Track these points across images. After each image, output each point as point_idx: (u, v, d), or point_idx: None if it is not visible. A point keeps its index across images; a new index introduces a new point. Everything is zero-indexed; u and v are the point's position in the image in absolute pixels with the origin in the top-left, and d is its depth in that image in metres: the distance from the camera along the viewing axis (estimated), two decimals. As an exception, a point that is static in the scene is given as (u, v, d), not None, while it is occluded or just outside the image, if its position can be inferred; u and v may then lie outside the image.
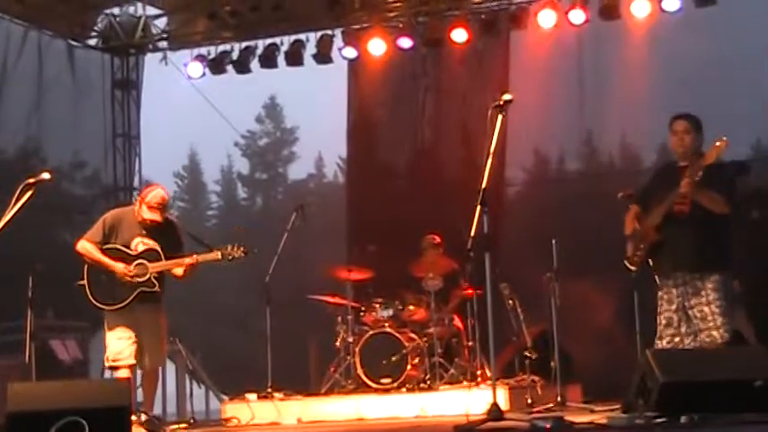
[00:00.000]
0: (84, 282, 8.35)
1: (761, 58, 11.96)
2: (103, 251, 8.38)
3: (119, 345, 8.30)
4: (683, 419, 5.74)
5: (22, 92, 13.25)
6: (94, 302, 8.36)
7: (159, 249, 8.40)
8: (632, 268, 7.44)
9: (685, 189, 6.91)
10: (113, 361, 8.32)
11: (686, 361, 6.31)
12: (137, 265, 8.35)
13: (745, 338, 8.82)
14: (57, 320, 11.89)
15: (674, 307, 7.09)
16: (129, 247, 8.41)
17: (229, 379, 14.92)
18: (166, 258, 8.38)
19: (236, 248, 8.53)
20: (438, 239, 11.28)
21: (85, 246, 8.39)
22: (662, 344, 7.09)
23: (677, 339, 7.04)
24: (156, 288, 8.37)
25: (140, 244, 8.42)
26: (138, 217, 8.46)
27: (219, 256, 8.50)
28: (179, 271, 8.45)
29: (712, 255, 7.01)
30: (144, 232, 8.44)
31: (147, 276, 8.33)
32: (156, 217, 8.42)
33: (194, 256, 8.47)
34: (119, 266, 8.30)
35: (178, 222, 8.85)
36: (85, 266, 8.39)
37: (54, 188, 12.61)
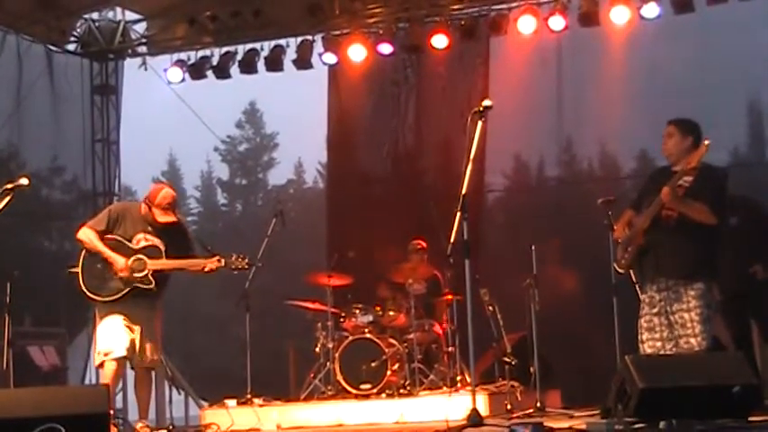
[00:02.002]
0: (78, 269, 8.23)
1: (739, 65, 12.03)
2: (104, 240, 8.27)
3: (110, 337, 8.15)
4: (661, 425, 5.77)
5: (1, 97, 13.18)
6: (86, 292, 8.23)
7: (161, 247, 8.34)
8: (620, 271, 7.50)
9: (665, 197, 6.95)
10: (105, 355, 8.14)
11: (665, 367, 6.33)
12: (135, 259, 8.23)
13: (723, 345, 8.86)
14: (34, 327, 11.82)
15: (655, 311, 7.13)
16: (130, 241, 8.31)
17: (209, 385, 14.88)
18: (168, 258, 8.31)
19: (240, 259, 8.50)
20: (423, 245, 11.28)
21: (88, 233, 8.27)
22: (643, 348, 7.12)
23: (659, 344, 7.07)
24: (152, 286, 8.23)
25: (143, 240, 8.32)
26: (145, 215, 8.35)
27: (224, 264, 8.46)
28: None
29: (697, 262, 7.04)
30: (149, 229, 8.34)
31: (145, 273, 8.23)
32: (172, 218, 8.34)
33: (220, 258, 8.40)
34: (120, 261, 8.17)
35: (186, 223, 8.76)
36: (82, 253, 8.27)
37: (33, 193, 12.57)
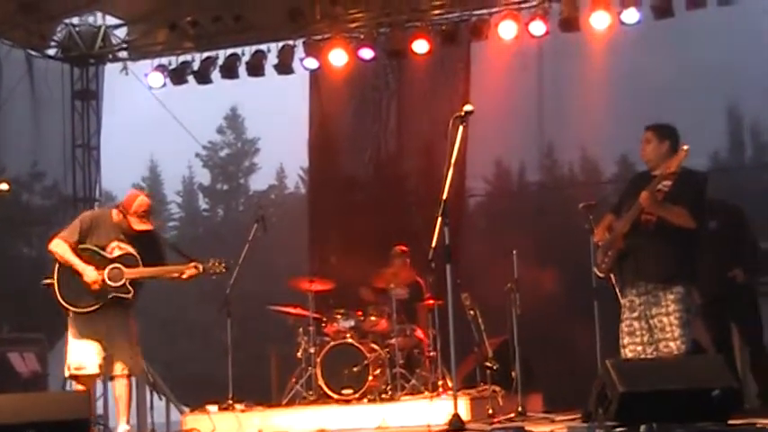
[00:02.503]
0: (54, 280, 8.13)
1: (720, 70, 12.10)
2: (78, 251, 8.17)
3: (83, 353, 8.10)
4: (642, 429, 5.78)
5: (-20, 102, 13.14)
6: (64, 304, 8.14)
7: (137, 256, 8.29)
8: (600, 275, 7.53)
9: (644, 201, 6.99)
10: (76, 369, 8.11)
11: (645, 371, 6.36)
12: (111, 269, 8.16)
13: (703, 348, 8.90)
14: (14, 333, 11.77)
15: (635, 315, 7.16)
16: (104, 250, 8.25)
17: (190, 390, 14.83)
18: (144, 266, 8.28)
19: (217, 264, 8.47)
20: (405, 249, 11.29)
21: (61, 245, 8.16)
22: (624, 352, 7.15)
23: (639, 349, 7.10)
24: (131, 295, 8.19)
25: (116, 248, 8.25)
26: (118, 221, 8.29)
27: (201, 270, 8.43)
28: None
29: (676, 266, 7.08)
30: (122, 237, 8.26)
31: (123, 282, 8.20)
32: (148, 227, 8.30)
33: (198, 265, 8.37)
34: (91, 273, 8.07)
35: (159, 230, 8.72)
36: (56, 265, 8.17)
37: (13, 199, 12.52)
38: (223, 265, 8.49)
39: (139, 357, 8.46)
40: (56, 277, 8.16)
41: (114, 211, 8.38)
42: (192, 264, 8.40)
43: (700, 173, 7.43)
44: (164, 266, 8.41)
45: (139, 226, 8.23)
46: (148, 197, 8.51)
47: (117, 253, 8.25)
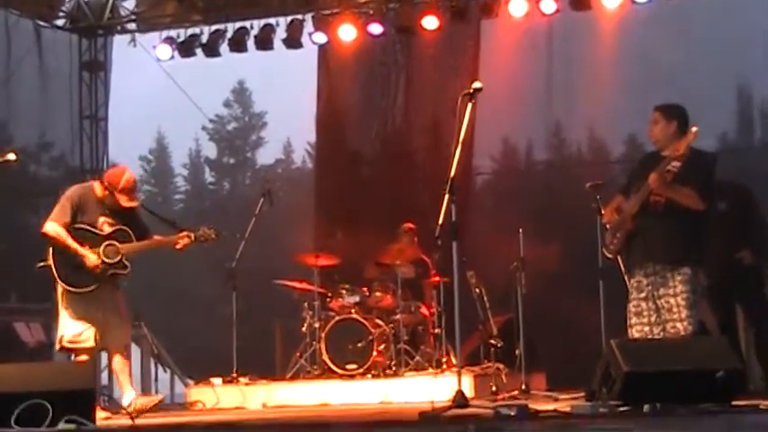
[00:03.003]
0: (50, 262, 8.12)
1: (730, 49, 12.03)
2: (72, 231, 8.17)
3: (77, 326, 8.11)
4: (645, 408, 5.79)
5: (-11, 71, 13.13)
6: (65, 286, 8.14)
7: (129, 231, 8.28)
8: (609, 256, 7.53)
9: (653, 183, 6.98)
10: (70, 342, 8.11)
11: (650, 351, 6.36)
12: (107, 246, 8.17)
13: (708, 329, 8.89)
14: (20, 303, 11.81)
15: (642, 295, 7.16)
16: (95, 227, 8.25)
17: (194, 363, 14.88)
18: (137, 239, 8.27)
19: (207, 231, 8.48)
20: (411, 227, 11.28)
21: (56, 229, 8.13)
22: (632, 332, 7.16)
23: (646, 329, 7.10)
24: (128, 271, 8.23)
25: (106, 224, 8.24)
26: (102, 197, 8.27)
27: (193, 239, 8.44)
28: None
29: (684, 248, 7.07)
30: (107, 212, 8.27)
31: (119, 258, 8.19)
32: (135, 203, 8.31)
33: (189, 234, 8.38)
34: (91, 257, 8.09)
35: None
36: (50, 247, 8.16)
37: (20, 169, 12.52)
38: (213, 232, 8.49)
39: (129, 327, 8.46)
40: (52, 259, 8.14)
41: (97, 186, 8.36)
42: (184, 233, 8.43)
43: (709, 154, 7.40)
44: (157, 239, 8.43)
45: (128, 203, 8.24)
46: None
47: (108, 229, 8.25)
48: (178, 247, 8.43)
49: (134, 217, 8.43)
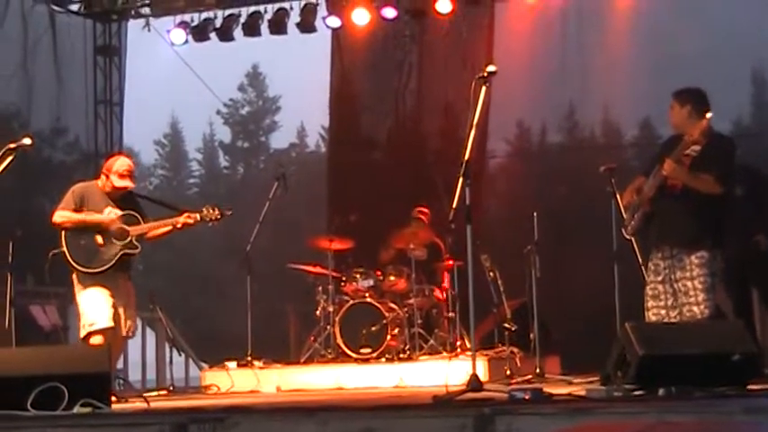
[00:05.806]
0: (64, 249, 8.19)
1: (745, 34, 11.98)
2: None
3: (95, 307, 8.15)
4: (660, 392, 5.78)
5: (4, 56, 13.13)
6: (77, 267, 8.21)
7: (136, 213, 8.36)
8: (627, 236, 7.55)
9: (667, 170, 6.96)
10: (91, 326, 8.14)
11: (665, 334, 6.35)
12: (117, 228, 8.26)
13: (723, 313, 8.87)
14: (36, 286, 11.84)
15: (660, 278, 7.15)
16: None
17: (209, 347, 14.94)
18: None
19: (211, 210, 8.51)
20: (425, 210, 11.27)
21: (63, 213, 8.25)
22: (648, 315, 7.16)
23: (663, 312, 7.10)
24: (138, 251, 8.31)
25: (112, 213, 8.35)
26: (104, 188, 8.38)
27: (199, 219, 8.48)
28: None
29: (701, 231, 7.05)
30: (112, 203, 8.35)
31: (129, 239, 8.27)
32: (128, 183, 8.36)
33: (190, 214, 8.43)
34: (106, 214, 8.20)
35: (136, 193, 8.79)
36: (63, 234, 8.24)
37: (35, 154, 12.56)
38: (217, 211, 8.51)
39: (133, 325, 8.50)
40: (65, 245, 8.23)
41: (99, 181, 8.48)
42: (186, 213, 8.46)
43: (729, 138, 7.39)
44: (162, 219, 8.49)
45: (120, 182, 8.32)
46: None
47: (115, 215, 8.32)
48: (179, 225, 8.47)
49: (135, 206, 8.50)
